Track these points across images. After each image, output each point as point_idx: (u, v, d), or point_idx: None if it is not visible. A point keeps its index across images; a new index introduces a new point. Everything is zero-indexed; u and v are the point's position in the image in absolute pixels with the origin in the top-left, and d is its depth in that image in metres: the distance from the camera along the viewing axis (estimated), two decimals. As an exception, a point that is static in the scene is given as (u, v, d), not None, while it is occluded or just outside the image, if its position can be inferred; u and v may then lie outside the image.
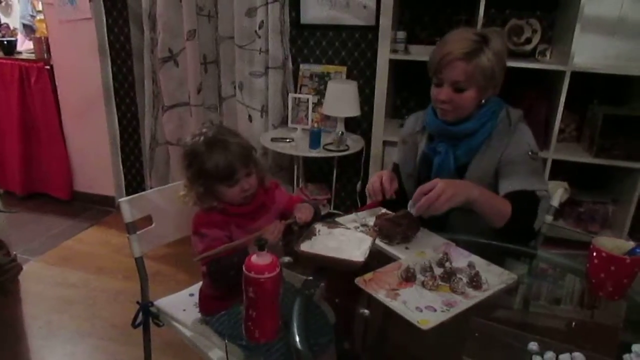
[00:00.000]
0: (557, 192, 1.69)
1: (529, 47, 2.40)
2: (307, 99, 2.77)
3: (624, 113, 2.26)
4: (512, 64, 2.23)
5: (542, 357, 0.93)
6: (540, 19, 2.42)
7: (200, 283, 1.56)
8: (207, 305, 1.49)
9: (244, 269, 0.93)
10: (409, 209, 1.34)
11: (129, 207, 1.51)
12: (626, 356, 0.94)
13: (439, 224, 1.46)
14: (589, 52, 2.31)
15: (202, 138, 1.36)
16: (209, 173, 1.33)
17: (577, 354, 0.93)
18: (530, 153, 1.45)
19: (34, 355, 2.15)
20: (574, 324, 1.20)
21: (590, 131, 2.36)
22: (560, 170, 2.36)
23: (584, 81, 2.25)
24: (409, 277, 1.16)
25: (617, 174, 2.39)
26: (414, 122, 1.69)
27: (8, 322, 2.35)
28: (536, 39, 2.39)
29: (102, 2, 3.08)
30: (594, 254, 1.13)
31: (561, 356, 0.93)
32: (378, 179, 1.56)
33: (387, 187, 1.54)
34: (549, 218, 1.64)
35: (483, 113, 1.48)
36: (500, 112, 1.50)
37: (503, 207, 1.36)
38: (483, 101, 1.48)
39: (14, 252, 2.74)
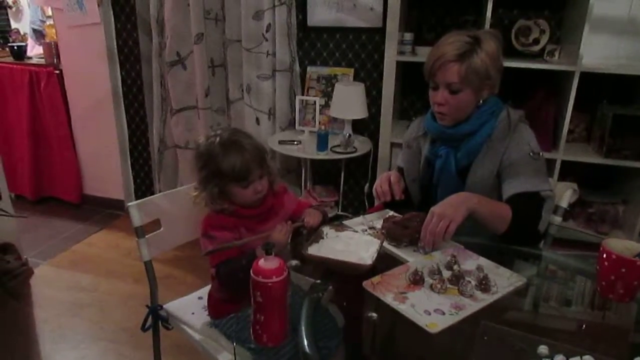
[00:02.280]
0: (566, 193, 1.68)
1: (537, 48, 2.38)
2: (314, 102, 2.77)
3: (634, 113, 2.24)
4: (520, 64, 2.23)
5: (552, 360, 0.93)
6: (549, 19, 2.41)
7: (209, 286, 1.57)
8: (216, 308, 1.50)
9: (251, 273, 0.93)
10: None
11: (137, 211, 1.52)
12: (637, 359, 0.93)
13: None
14: (598, 52, 2.29)
15: (217, 139, 1.38)
16: (225, 173, 1.34)
17: (587, 357, 0.92)
18: (531, 153, 1.44)
19: (45, 358, 2.17)
20: (584, 326, 1.19)
21: (599, 131, 2.34)
22: (569, 171, 2.34)
23: (593, 81, 2.23)
24: (417, 280, 1.15)
25: (627, 175, 2.37)
26: (417, 126, 1.69)
27: (20, 326, 2.37)
28: (544, 40, 2.38)
29: (110, 8, 3.11)
30: (604, 255, 1.11)
31: (571, 359, 0.92)
32: (386, 180, 1.56)
33: (396, 188, 1.54)
34: (557, 219, 1.64)
35: (480, 114, 1.47)
36: (501, 113, 1.49)
37: (503, 211, 1.35)
38: (480, 102, 1.47)
39: (25, 256, 2.77)
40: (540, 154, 1.47)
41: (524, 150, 1.45)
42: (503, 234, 1.36)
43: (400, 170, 1.73)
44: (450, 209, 1.28)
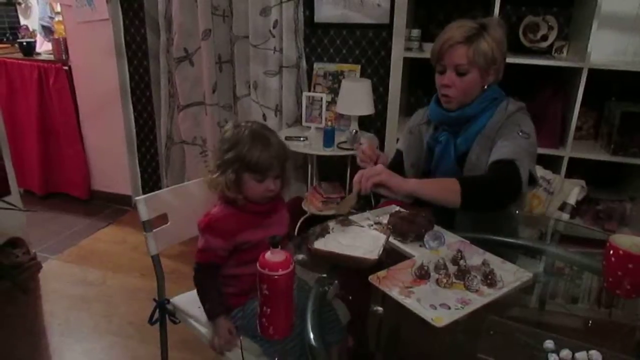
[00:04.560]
0: (574, 191, 1.68)
1: (545, 44, 2.37)
2: (321, 98, 2.77)
3: (643, 110, 2.23)
4: (528, 61, 2.22)
5: (558, 355, 0.92)
6: (557, 16, 2.40)
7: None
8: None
9: (257, 266, 0.94)
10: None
11: (145, 206, 1.53)
12: (644, 355, 0.93)
13: (446, 219, 1.46)
14: (606, 48, 2.28)
15: (247, 129, 1.38)
16: (245, 162, 1.35)
17: (593, 352, 0.92)
18: (520, 133, 1.45)
19: (53, 352, 2.19)
20: (590, 322, 1.19)
21: (607, 128, 2.33)
22: (577, 168, 2.33)
23: (601, 78, 2.22)
24: (422, 275, 1.15)
25: (634, 172, 2.35)
26: (421, 115, 1.73)
27: (28, 320, 2.39)
28: (552, 36, 2.37)
29: (119, 4, 3.12)
30: (611, 252, 1.11)
31: (577, 354, 0.92)
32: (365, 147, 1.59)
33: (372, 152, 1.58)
34: (565, 216, 1.64)
35: (483, 99, 1.51)
36: (501, 103, 1.53)
37: (450, 188, 1.35)
38: (485, 87, 1.51)
39: (34, 251, 2.79)
40: (530, 135, 1.47)
41: (514, 130, 1.46)
42: (463, 204, 1.35)
43: (399, 153, 1.76)
44: (388, 173, 1.37)
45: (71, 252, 2.99)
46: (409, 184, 1.37)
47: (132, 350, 2.17)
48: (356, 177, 1.39)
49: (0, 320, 2.34)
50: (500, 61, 1.49)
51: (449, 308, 1.05)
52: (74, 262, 2.88)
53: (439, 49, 1.49)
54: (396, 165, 1.76)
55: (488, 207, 1.41)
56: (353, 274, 1.25)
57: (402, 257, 1.28)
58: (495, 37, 1.45)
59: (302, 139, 2.67)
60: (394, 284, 1.13)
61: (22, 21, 4.00)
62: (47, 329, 2.32)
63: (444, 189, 1.36)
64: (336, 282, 1.23)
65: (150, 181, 3.58)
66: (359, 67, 2.83)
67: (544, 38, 2.37)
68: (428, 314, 1.02)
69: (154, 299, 1.63)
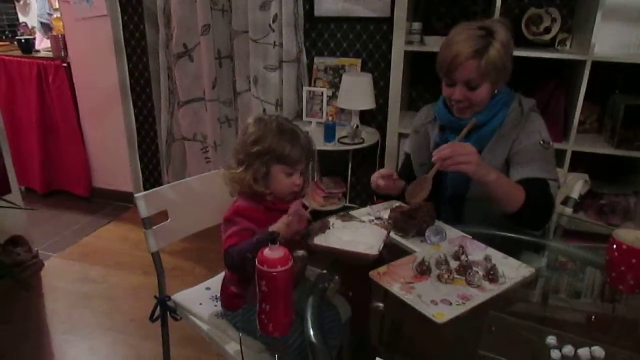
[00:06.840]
0: (578, 184, 1.66)
1: (548, 37, 2.35)
2: (322, 92, 2.76)
3: (646, 103, 2.21)
4: (531, 53, 2.20)
5: (561, 351, 0.92)
6: (560, 8, 2.38)
7: (217, 277, 1.57)
8: (229, 300, 1.48)
9: (256, 262, 0.93)
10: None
11: (144, 203, 1.52)
12: (648, 350, 0.92)
13: (455, 213, 1.45)
14: (610, 41, 2.25)
15: (273, 123, 1.36)
16: (277, 154, 1.32)
17: (596, 348, 0.91)
18: (541, 142, 1.44)
19: (55, 349, 2.19)
20: (593, 317, 1.18)
21: (611, 122, 2.31)
22: (580, 162, 2.31)
23: (605, 71, 2.19)
24: (423, 271, 1.14)
25: (639, 166, 2.34)
26: (425, 113, 1.70)
27: (30, 318, 2.39)
28: (555, 28, 2.34)
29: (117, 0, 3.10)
30: (614, 246, 1.10)
31: (580, 350, 0.91)
32: (379, 174, 1.54)
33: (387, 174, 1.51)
34: (568, 210, 1.62)
35: (493, 105, 1.48)
36: (512, 102, 1.50)
37: (518, 192, 1.34)
38: (496, 92, 1.47)
39: (35, 249, 2.79)
40: (550, 143, 1.46)
41: (535, 139, 1.44)
42: (511, 215, 1.35)
43: (408, 156, 1.73)
44: (478, 160, 1.28)
45: (73, 249, 2.99)
46: (491, 175, 1.31)
47: (134, 347, 2.17)
48: (441, 153, 1.30)
49: (3, 319, 2.35)
50: (509, 64, 1.44)
51: (450, 304, 1.04)
52: (75, 259, 2.88)
53: (447, 65, 1.42)
54: (406, 168, 1.74)
55: (531, 224, 1.41)
56: (354, 269, 1.24)
57: (403, 252, 1.27)
58: (502, 41, 1.40)
59: (303, 134, 2.65)
60: (394, 280, 1.12)
61: (21, 18, 4.00)
62: (50, 327, 2.32)
63: (514, 194, 1.34)
64: (337, 277, 1.22)
65: (152, 177, 3.58)
66: (359, 61, 2.81)
67: (547, 30, 2.35)
68: (429, 310, 1.01)
69: (155, 296, 1.63)
